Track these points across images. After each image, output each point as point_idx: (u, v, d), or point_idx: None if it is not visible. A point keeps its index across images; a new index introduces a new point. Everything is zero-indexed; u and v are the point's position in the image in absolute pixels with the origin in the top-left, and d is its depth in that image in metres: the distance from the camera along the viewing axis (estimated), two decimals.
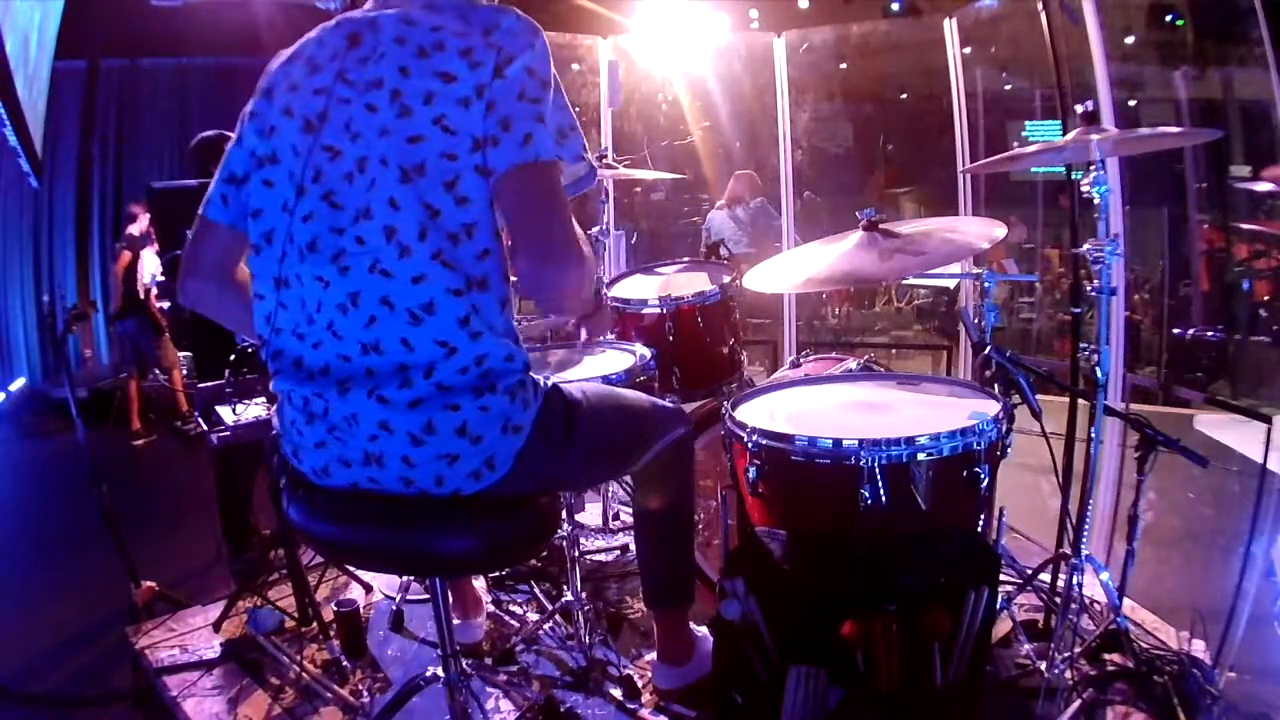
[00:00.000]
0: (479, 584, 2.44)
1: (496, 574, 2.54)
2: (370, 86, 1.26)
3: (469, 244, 1.25)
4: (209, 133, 3.11)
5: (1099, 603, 2.16)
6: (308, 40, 1.37)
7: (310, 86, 1.30)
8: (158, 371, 5.89)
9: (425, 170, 1.23)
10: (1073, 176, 2.64)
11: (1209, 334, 5.59)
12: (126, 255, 5.62)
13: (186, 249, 1.43)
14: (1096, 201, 1.92)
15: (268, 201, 1.32)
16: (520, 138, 1.23)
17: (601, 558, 2.72)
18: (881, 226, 2.16)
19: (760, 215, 5.74)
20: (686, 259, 3.04)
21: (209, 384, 2.56)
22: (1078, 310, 2.69)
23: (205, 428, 2.47)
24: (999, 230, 2.08)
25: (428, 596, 2.23)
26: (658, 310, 2.53)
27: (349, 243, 1.25)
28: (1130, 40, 6.63)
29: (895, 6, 5.97)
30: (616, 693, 2.00)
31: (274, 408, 1.43)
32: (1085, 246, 1.94)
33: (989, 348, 1.95)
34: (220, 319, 1.49)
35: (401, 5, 1.32)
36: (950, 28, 3.96)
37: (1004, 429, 1.78)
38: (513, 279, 1.31)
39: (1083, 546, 1.98)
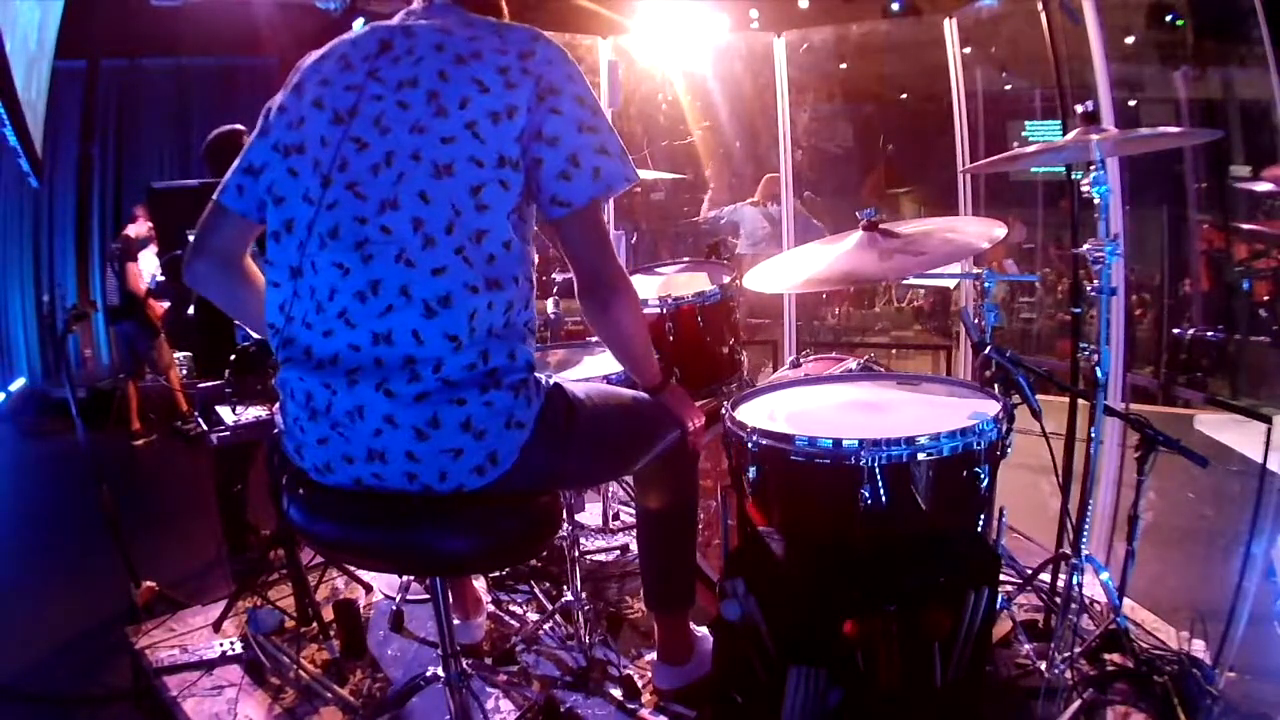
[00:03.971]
0: (479, 584, 2.44)
1: (496, 574, 2.54)
2: (403, 85, 1.31)
3: (480, 247, 1.29)
4: (224, 128, 3.09)
5: (1099, 603, 2.16)
6: (341, 40, 1.41)
7: (342, 82, 1.35)
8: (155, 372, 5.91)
9: (454, 170, 1.28)
10: (1073, 176, 2.64)
11: (1209, 334, 5.58)
12: (133, 267, 5.63)
13: (197, 231, 1.47)
14: (1096, 201, 1.92)
15: (291, 190, 1.34)
16: (590, 172, 1.33)
17: (601, 558, 2.72)
18: (881, 226, 2.16)
19: (796, 216, 5.64)
20: (686, 259, 3.04)
21: (208, 384, 2.56)
22: (1078, 310, 2.69)
23: (205, 428, 2.47)
24: (999, 230, 2.08)
25: (428, 596, 2.24)
26: (658, 310, 2.52)
27: (373, 232, 1.27)
28: (1130, 40, 6.62)
29: (895, 6, 5.95)
30: (616, 693, 2.00)
31: (276, 405, 1.44)
32: (1085, 246, 1.94)
33: (989, 348, 1.95)
34: (222, 303, 1.54)
35: (437, 17, 1.38)
36: (950, 28, 3.96)
37: (1004, 429, 1.78)
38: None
39: (1083, 546, 1.98)
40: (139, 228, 5.81)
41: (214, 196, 1.45)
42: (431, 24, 1.37)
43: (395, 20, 1.41)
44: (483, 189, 1.28)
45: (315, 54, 1.42)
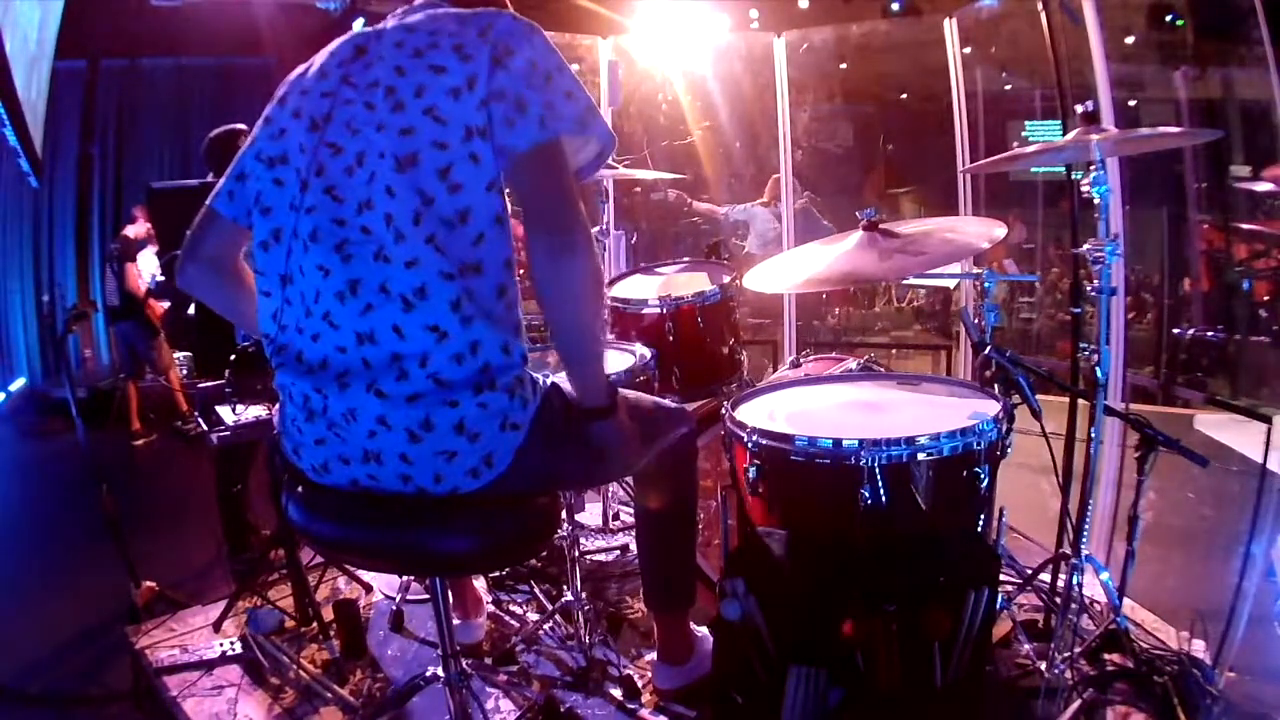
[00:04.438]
0: (479, 584, 2.44)
1: (496, 574, 2.54)
2: (369, 87, 1.33)
3: (462, 229, 1.28)
4: (223, 128, 3.09)
5: (1099, 603, 2.16)
6: (322, 52, 1.43)
7: (318, 90, 1.37)
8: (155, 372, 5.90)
9: (418, 160, 1.27)
10: (1073, 176, 2.64)
11: (1209, 334, 5.58)
12: (131, 268, 5.63)
13: (190, 235, 1.49)
14: (1096, 201, 1.92)
15: (277, 200, 1.36)
16: (537, 118, 1.29)
17: (601, 558, 2.72)
18: (881, 226, 2.16)
19: (802, 215, 5.61)
20: (686, 259, 3.04)
21: (208, 384, 2.56)
22: (1078, 310, 2.69)
23: (205, 428, 2.47)
24: (999, 230, 2.08)
25: (428, 596, 2.23)
26: (658, 310, 2.52)
27: (353, 233, 1.28)
28: (1130, 40, 6.62)
29: (895, 6, 5.95)
30: (616, 693, 2.00)
31: (275, 406, 1.45)
32: (1085, 246, 1.94)
33: (989, 348, 1.95)
34: (214, 305, 1.56)
35: (420, 14, 1.39)
36: (950, 28, 3.96)
37: (1004, 429, 1.78)
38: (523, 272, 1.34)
39: (1083, 546, 1.98)
40: (138, 228, 5.82)
41: (207, 203, 1.46)
42: (400, 24, 1.37)
43: (383, 24, 1.42)
44: (450, 170, 1.27)
45: (302, 67, 1.44)
